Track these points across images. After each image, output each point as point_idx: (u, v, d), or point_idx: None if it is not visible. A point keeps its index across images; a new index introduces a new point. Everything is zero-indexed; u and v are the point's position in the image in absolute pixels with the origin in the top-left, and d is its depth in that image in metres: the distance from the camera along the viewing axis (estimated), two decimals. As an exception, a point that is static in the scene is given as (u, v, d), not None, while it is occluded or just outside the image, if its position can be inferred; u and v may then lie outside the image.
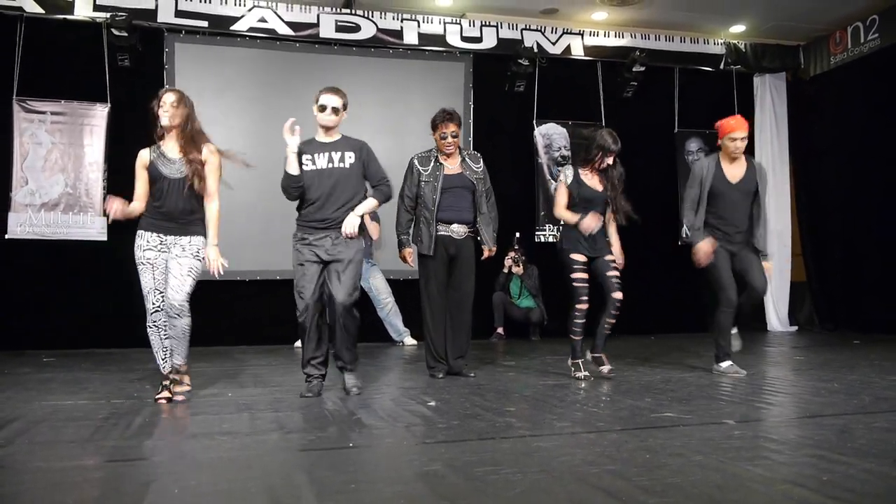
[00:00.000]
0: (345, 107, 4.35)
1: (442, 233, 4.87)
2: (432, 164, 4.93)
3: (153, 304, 4.02)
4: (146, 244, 4.00)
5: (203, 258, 4.06)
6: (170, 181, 3.97)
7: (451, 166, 4.93)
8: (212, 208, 4.08)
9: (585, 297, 4.76)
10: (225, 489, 2.33)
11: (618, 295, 4.76)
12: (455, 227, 4.88)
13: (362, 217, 4.30)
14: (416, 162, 4.97)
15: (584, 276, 4.77)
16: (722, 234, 4.84)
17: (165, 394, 3.99)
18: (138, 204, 4.04)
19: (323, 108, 4.29)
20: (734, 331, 5.00)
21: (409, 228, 4.99)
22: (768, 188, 9.05)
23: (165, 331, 4.03)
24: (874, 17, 8.14)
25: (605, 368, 4.83)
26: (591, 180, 4.85)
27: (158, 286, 4.01)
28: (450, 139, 4.88)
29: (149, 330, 4.08)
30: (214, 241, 4.07)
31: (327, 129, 4.33)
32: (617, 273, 4.82)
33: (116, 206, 3.90)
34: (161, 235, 4.00)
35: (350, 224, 4.20)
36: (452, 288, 4.96)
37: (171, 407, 3.86)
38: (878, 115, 8.19)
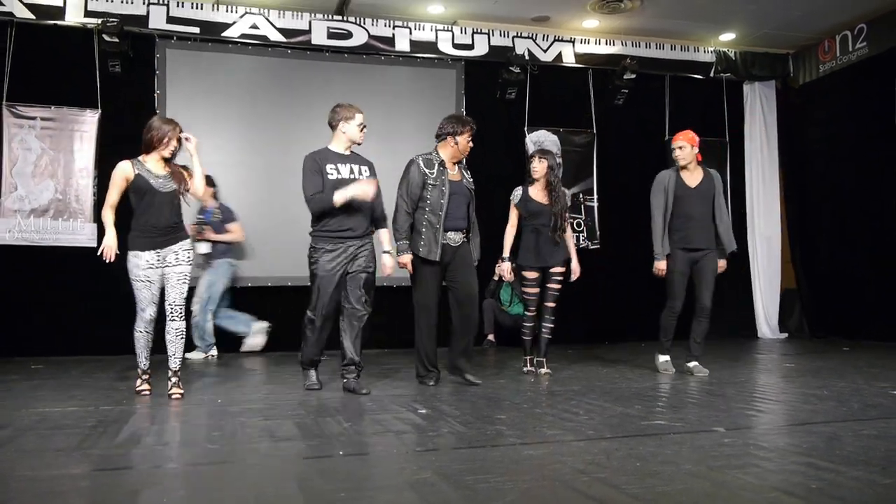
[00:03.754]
0: None
1: (442, 241, 4.84)
2: (436, 167, 4.84)
3: (150, 315, 4.34)
4: (145, 264, 4.27)
5: (192, 262, 4.48)
6: (160, 194, 4.29)
7: (453, 172, 4.94)
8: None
9: (534, 308, 5.43)
10: (215, 498, 2.32)
11: (549, 304, 5.40)
12: (451, 234, 4.86)
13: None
14: (421, 163, 4.82)
15: (534, 290, 5.40)
16: (684, 235, 5.31)
17: (147, 386, 4.46)
18: (110, 212, 4.29)
19: (363, 127, 4.65)
20: (695, 363, 5.43)
21: (409, 233, 4.80)
22: (758, 196, 9.19)
23: (152, 336, 4.42)
24: (862, 26, 8.21)
25: (542, 371, 5.42)
26: (539, 195, 5.39)
27: (155, 300, 4.34)
28: (470, 144, 4.95)
29: (137, 334, 4.40)
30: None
31: (355, 144, 4.67)
32: (556, 286, 5.38)
33: (110, 250, 4.23)
34: (158, 251, 4.31)
35: (390, 265, 4.75)
36: (457, 285, 4.86)
37: (161, 414, 3.84)
38: (867, 123, 8.25)
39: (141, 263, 4.28)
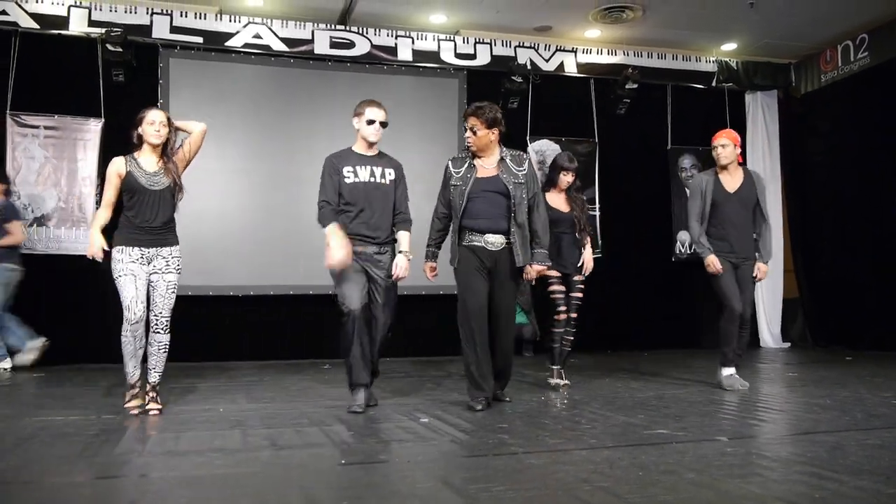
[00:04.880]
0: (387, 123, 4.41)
1: (476, 243, 4.27)
2: (465, 165, 4.39)
3: (135, 314, 4.01)
4: (128, 258, 4.05)
5: (180, 270, 4.21)
6: (150, 193, 4.08)
7: (487, 167, 4.35)
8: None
9: (563, 308, 5.16)
10: (216, 507, 2.32)
11: (572, 315, 5.19)
12: (489, 237, 4.26)
13: None
14: (449, 164, 4.47)
15: (561, 287, 5.16)
16: (724, 244, 5.01)
17: (137, 402, 4.12)
18: (105, 212, 4.11)
19: (371, 122, 4.30)
20: (733, 372, 5.04)
21: (440, 240, 4.52)
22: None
23: (141, 341, 4.08)
24: (864, 36, 8.23)
25: (561, 382, 5.19)
26: (557, 202, 5.23)
27: (141, 297, 4.05)
28: (468, 134, 4.35)
29: (124, 338, 4.04)
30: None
31: (371, 143, 4.35)
32: (579, 295, 5.21)
33: (97, 249, 4.00)
34: (142, 248, 4.08)
35: (402, 267, 4.28)
36: (490, 307, 4.32)
37: (162, 423, 3.84)
38: (868, 133, 8.25)
39: (124, 258, 4.04)
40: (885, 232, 8.03)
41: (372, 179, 4.30)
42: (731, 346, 5.00)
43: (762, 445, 3.24)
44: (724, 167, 5.08)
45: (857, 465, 2.71)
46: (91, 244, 4.00)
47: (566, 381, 5.24)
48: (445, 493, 2.38)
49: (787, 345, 9.03)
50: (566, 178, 5.27)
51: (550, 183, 5.32)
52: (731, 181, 5.08)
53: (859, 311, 8.37)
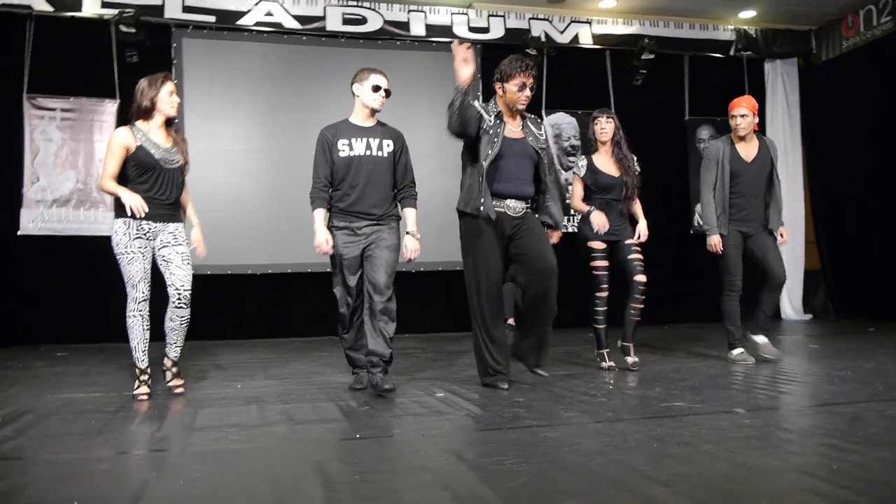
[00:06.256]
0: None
1: (497, 209, 3.99)
2: (494, 117, 4.06)
3: (143, 292, 3.90)
4: (136, 232, 3.86)
5: (187, 243, 4.09)
6: (165, 171, 3.94)
7: (514, 128, 4.11)
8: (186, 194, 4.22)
9: (605, 285, 4.76)
10: (230, 480, 2.33)
11: (640, 278, 4.71)
12: (511, 202, 4.02)
13: None
14: (479, 105, 4.08)
15: (604, 263, 4.75)
16: (738, 213, 4.91)
17: (145, 388, 3.93)
18: (111, 181, 3.82)
19: (377, 89, 4.05)
20: (765, 340, 4.97)
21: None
22: (780, 176, 9.05)
23: (147, 322, 3.95)
24: (887, 0, 8.03)
25: (630, 360, 4.71)
26: (607, 166, 4.85)
27: (148, 276, 3.92)
28: (528, 93, 4.07)
29: (131, 319, 3.91)
30: (198, 221, 4.25)
31: (373, 112, 4.10)
32: (639, 256, 4.75)
33: (139, 204, 3.74)
34: (149, 223, 3.90)
35: (412, 248, 4.01)
36: (528, 256, 3.98)
37: (180, 399, 3.87)
38: (891, 100, 8.08)
39: (131, 232, 3.84)
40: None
41: (368, 153, 4.02)
42: (737, 324, 4.93)
43: (780, 417, 3.21)
44: (742, 137, 4.94)
45: (877, 437, 2.68)
46: (133, 201, 3.72)
47: (636, 359, 4.73)
48: (458, 467, 2.38)
49: (809, 317, 8.94)
50: (600, 127, 4.87)
51: (593, 142, 4.94)
52: (748, 150, 4.95)
53: (882, 281, 8.25)
